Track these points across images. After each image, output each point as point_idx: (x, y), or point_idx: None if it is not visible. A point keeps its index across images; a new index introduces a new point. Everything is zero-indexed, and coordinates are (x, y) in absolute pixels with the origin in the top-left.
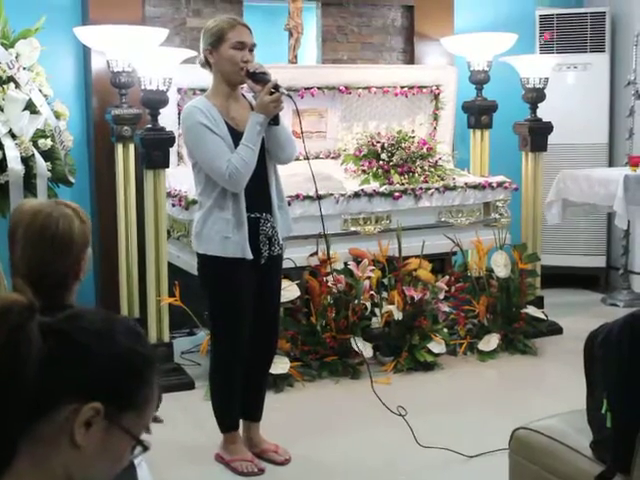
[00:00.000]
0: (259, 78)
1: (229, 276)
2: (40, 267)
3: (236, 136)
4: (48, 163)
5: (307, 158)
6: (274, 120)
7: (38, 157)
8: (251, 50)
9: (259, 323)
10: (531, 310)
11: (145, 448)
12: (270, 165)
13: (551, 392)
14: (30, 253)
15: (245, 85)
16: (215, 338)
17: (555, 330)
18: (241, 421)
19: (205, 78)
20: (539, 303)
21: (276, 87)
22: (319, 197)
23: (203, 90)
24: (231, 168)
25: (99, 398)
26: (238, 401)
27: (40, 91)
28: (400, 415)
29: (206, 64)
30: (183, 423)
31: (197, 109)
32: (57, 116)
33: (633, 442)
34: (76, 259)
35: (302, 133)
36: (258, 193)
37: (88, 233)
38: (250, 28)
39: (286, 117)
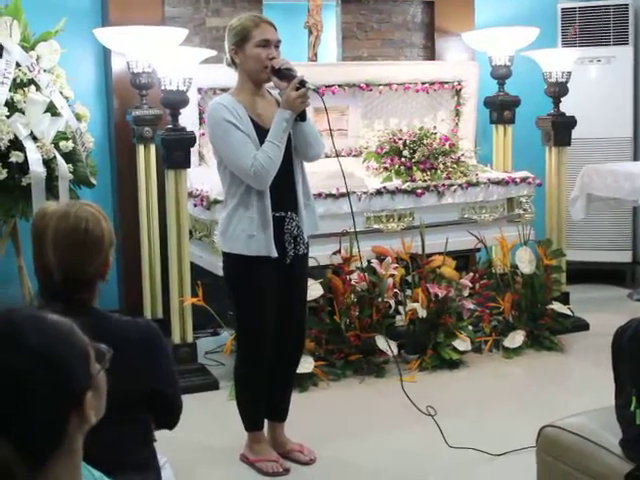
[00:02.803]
0: (285, 74)
1: (254, 275)
2: (74, 268)
3: (262, 133)
4: (70, 165)
5: (337, 155)
6: (301, 116)
7: (60, 159)
8: (277, 46)
9: (286, 323)
10: (556, 306)
11: None
12: (297, 162)
13: (578, 389)
14: (62, 255)
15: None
16: (240, 337)
17: (581, 326)
18: (266, 421)
19: (225, 77)
20: (565, 299)
21: (302, 82)
22: (348, 194)
23: (223, 89)
24: (256, 165)
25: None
26: (263, 400)
27: (61, 93)
28: (430, 415)
29: (232, 63)
30: (207, 423)
31: (222, 106)
32: (78, 118)
33: None
34: (105, 258)
35: (331, 130)
36: (284, 191)
37: (110, 226)
38: (274, 25)
39: (309, 114)
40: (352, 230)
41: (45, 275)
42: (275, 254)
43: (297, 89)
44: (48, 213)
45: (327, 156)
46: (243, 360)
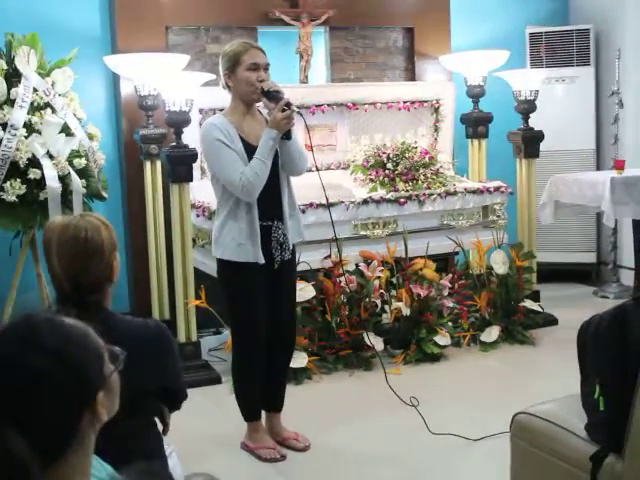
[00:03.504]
0: (273, 96)
1: (244, 279)
2: (77, 275)
3: (251, 150)
4: (83, 180)
5: (318, 170)
6: (286, 135)
7: (74, 175)
8: (266, 69)
9: (277, 322)
10: (528, 303)
11: None
12: (283, 177)
13: (548, 379)
14: (66, 263)
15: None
16: (234, 336)
17: (551, 321)
18: (263, 412)
19: (223, 99)
20: (535, 297)
21: (288, 105)
22: (329, 205)
23: (222, 110)
24: (244, 180)
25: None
26: (259, 393)
27: (74, 115)
28: (413, 405)
29: (226, 86)
30: (211, 415)
31: (214, 126)
32: (90, 137)
33: (624, 424)
34: (108, 262)
35: (312, 147)
36: (271, 202)
37: (114, 237)
38: (263, 49)
39: (299, 132)
40: (339, 237)
41: (57, 283)
42: (262, 261)
43: (283, 111)
44: (52, 227)
45: (318, 169)
46: (238, 358)
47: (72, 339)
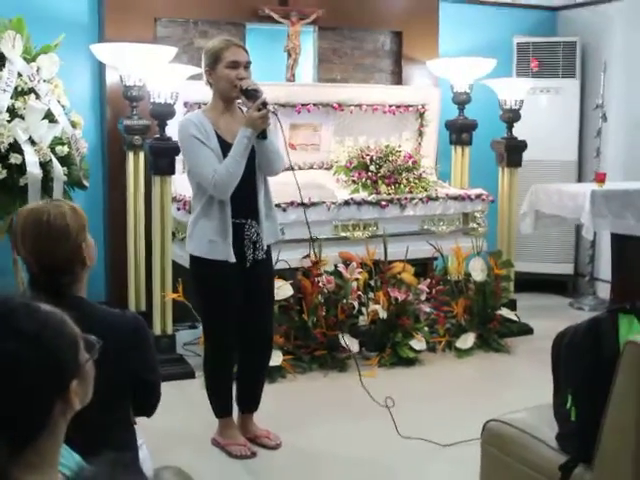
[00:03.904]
0: (250, 95)
1: (214, 276)
2: (44, 256)
3: (226, 148)
4: (64, 168)
5: (292, 169)
6: (262, 134)
7: (55, 162)
8: (246, 67)
9: (252, 323)
10: (505, 312)
11: None
12: (259, 176)
13: (521, 387)
14: (31, 246)
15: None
16: (205, 332)
17: (526, 331)
18: (236, 409)
19: (208, 93)
20: (512, 306)
21: (264, 104)
22: (305, 205)
23: (207, 104)
24: (216, 177)
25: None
26: (229, 389)
27: (58, 102)
28: (387, 407)
29: (208, 83)
30: (183, 410)
31: (191, 122)
32: (73, 125)
33: (595, 435)
34: (75, 243)
35: (294, 146)
36: (245, 200)
37: (82, 218)
38: (244, 47)
39: (284, 131)
40: (320, 237)
41: (28, 266)
42: (233, 259)
43: (259, 109)
44: (19, 212)
45: (300, 168)
46: (209, 356)
47: (48, 324)
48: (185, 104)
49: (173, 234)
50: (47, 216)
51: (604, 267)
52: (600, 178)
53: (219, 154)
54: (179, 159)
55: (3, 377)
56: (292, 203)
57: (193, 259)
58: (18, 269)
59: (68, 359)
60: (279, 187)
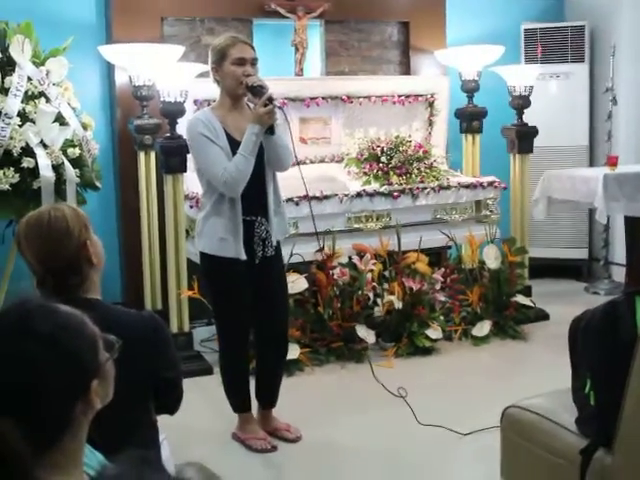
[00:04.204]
0: (256, 91)
1: (225, 273)
2: (48, 257)
3: (235, 144)
4: (77, 170)
5: (298, 163)
6: (270, 130)
7: (67, 165)
8: (253, 64)
9: (266, 319)
10: (520, 298)
11: None
12: (268, 172)
13: (539, 373)
14: (34, 248)
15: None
16: (218, 329)
17: (542, 316)
18: (255, 403)
19: (217, 90)
20: (527, 292)
21: (270, 99)
22: (309, 197)
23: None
24: (226, 175)
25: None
26: (246, 385)
27: (68, 104)
28: (401, 396)
29: (215, 80)
30: (203, 405)
31: (199, 120)
32: (84, 127)
33: (614, 419)
34: (78, 241)
35: (294, 139)
36: (255, 198)
37: (82, 217)
38: (251, 44)
39: (294, 125)
40: (333, 230)
41: (33, 271)
42: (244, 257)
43: (265, 105)
44: (24, 219)
45: (312, 162)
46: (224, 353)
47: (66, 326)
48: (195, 102)
49: (187, 232)
50: (47, 218)
51: (619, 251)
52: (612, 162)
53: (228, 152)
54: (190, 157)
55: (23, 379)
56: (305, 197)
57: (204, 256)
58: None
59: (88, 359)
60: (292, 182)
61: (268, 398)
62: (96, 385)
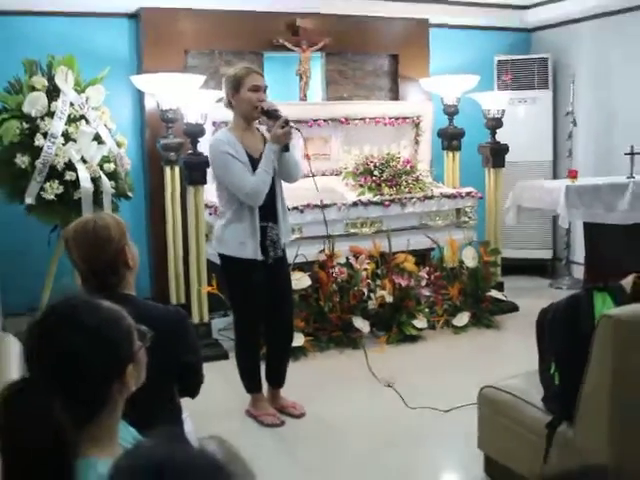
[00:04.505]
0: (272, 115)
1: (244, 272)
2: (91, 259)
3: (252, 161)
4: (112, 182)
5: (313, 175)
6: (285, 147)
7: (104, 178)
8: (264, 91)
9: (276, 312)
10: (494, 293)
11: None
12: (278, 184)
13: (510, 357)
14: (81, 251)
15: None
16: (236, 321)
17: (513, 308)
18: (265, 384)
19: (231, 113)
20: (500, 287)
21: (286, 122)
22: (323, 206)
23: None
24: (252, 187)
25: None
26: (258, 368)
27: (105, 126)
28: (389, 385)
29: (229, 105)
30: (221, 386)
31: (222, 141)
32: (118, 145)
33: (576, 397)
34: (118, 247)
35: (307, 156)
36: (267, 206)
37: (122, 225)
38: (262, 73)
39: (298, 144)
40: (333, 234)
41: (78, 270)
42: (261, 257)
43: (282, 127)
44: (70, 226)
45: (314, 175)
46: (239, 339)
47: (107, 319)
48: (213, 123)
49: (207, 236)
50: (92, 225)
51: (578, 252)
52: (572, 175)
53: (249, 167)
54: (209, 171)
55: (70, 364)
56: (308, 205)
57: (225, 258)
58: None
59: (123, 348)
60: (299, 192)
61: (276, 380)
62: (131, 369)
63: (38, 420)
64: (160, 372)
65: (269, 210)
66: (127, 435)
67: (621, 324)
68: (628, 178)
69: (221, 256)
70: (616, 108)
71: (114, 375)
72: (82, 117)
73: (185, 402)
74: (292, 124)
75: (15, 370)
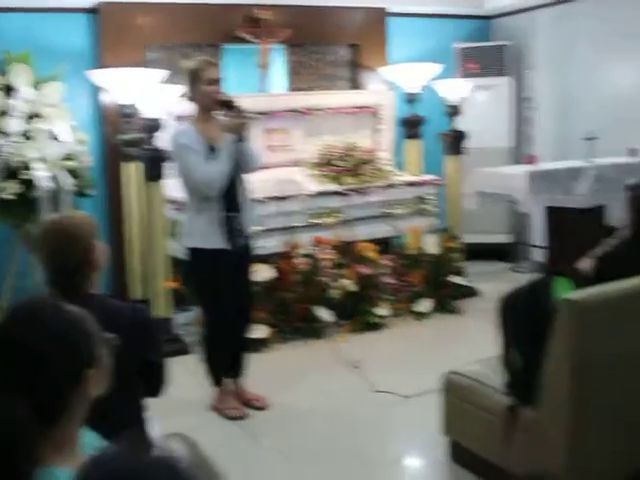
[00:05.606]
0: (228, 105)
1: (212, 262)
2: (57, 257)
3: (212, 150)
4: (72, 180)
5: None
6: (241, 138)
7: (64, 176)
8: (218, 82)
9: (238, 299)
10: (455, 279)
11: None
12: (238, 174)
13: (472, 343)
14: (47, 249)
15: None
16: (205, 311)
17: (474, 293)
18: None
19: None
20: (461, 273)
21: (240, 112)
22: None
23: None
24: (201, 176)
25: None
26: (227, 360)
27: (64, 123)
28: (356, 367)
29: (189, 98)
30: (183, 381)
31: (179, 133)
32: (79, 142)
33: (536, 380)
34: (85, 247)
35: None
36: (229, 197)
37: (91, 225)
38: (217, 64)
39: (260, 135)
40: (295, 225)
41: (45, 269)
42: (228, 246)
43: (238, 117)
44: (40, 225)
45: (276, 166)
46: (209, 335)
47: (68, 320)
48: (174, 118)
49: (172, 234)
50: (64, 224)
51: (537, 235)
52: (531, 160)
53: (207, 157)
54: (170, 166)
55: (31, 368)
56: (269, 197)
57: (192, 250)
58: (35, 271)
59: (86, 353)
60: (259, 184)
61: (238, 368)
62: (93, 373)
63: None
64: (124, 371)
65: (232, 200)
66: (91, 440)
67: (581, 307)
68: (587, 162)
69: (189, 250)
70: (574, 94)
71: (74, 378)
72: (39, 115)
73: (149, 399)
74: (246, 114)
75: None
